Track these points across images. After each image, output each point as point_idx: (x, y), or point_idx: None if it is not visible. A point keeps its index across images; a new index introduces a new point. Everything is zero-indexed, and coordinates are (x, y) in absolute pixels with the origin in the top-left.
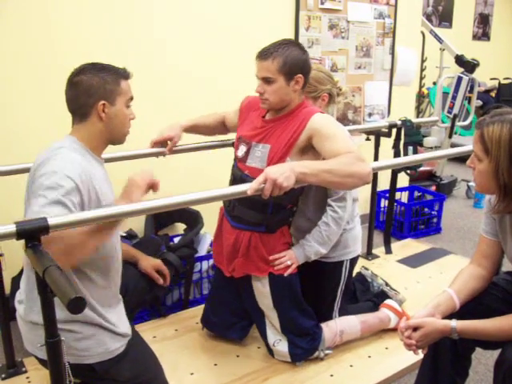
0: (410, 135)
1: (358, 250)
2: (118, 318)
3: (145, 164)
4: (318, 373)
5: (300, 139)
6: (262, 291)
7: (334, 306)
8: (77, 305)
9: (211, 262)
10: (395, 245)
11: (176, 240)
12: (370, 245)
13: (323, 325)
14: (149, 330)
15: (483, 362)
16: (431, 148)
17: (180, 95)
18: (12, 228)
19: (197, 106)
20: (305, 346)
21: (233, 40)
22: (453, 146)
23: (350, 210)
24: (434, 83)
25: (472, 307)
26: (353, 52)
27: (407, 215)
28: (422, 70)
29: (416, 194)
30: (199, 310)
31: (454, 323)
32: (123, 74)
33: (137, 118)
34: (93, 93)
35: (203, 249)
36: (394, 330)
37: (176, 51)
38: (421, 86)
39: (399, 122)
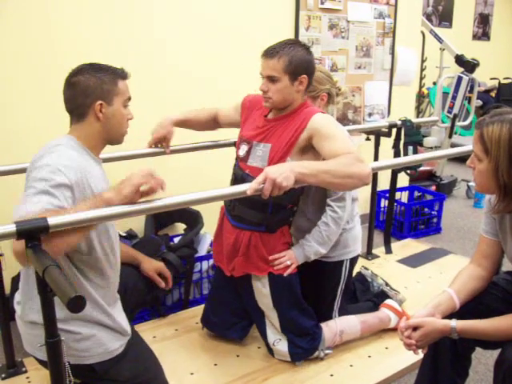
0: (410, 135)
1: (358, 249)
2: (118, 315)
3: (144, 164)
4: (317, 372)
5: (300, 139)
6: (262, 291)
7: (334, 305)
8: (77, 304)
9: (211, 261)
10: (395, 245)
11: (176, 240)
12: (370, 245)
13: (323, 325)
14: (149, 330)
15: (483, 362)
16: (431, 148)
17: (180, 95)
18: (12, 228)
19: (197, 106)
20: (305, 346)
21: (233, 40)
22: (453, 145)
23: (349, 210)
24: (434, 83)
25: (472, 307)
26: (353, 52)
27: (407, 215)
28: (422, 69)
29: (416, 193)
30: (199, 309)
31: (453, 323)
32: (121, 74)
33: (137, 118)
34: (90, 93)
35: (203, 249)
36: (394, 329)
37: (176, 51)
38: (421, 86)
39: (399, 122)
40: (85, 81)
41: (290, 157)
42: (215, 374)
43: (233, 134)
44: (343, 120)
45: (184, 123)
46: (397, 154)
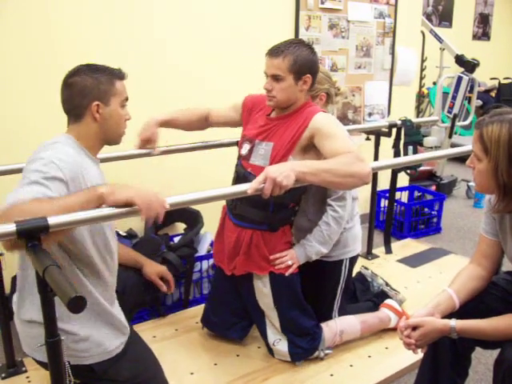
0: (410, 135)
1: (358, 249)
2: (117, 312)
3: (143, 164)
4: (317, 372)
5: (302, 138)
6: (263, 290)
7: (334, 305)
8: (77, 304)
9: (211, 261)
10: (395, 244)
11: (176, 239)
12: (370, 244)
13: (323, 325)
14: (149, 330)
15: (483, 362)
16: (431, 148)
17: (180, 95)
18: (12, 227)
19: (196, 106)
20: (305, 346)
21: (233, 40)
22: (453, 145)
23: (349, 209)
24: (434, 83)
25: (472, 307)
26: (353, 52)
27: (407, 215)
28: (422, 69)
29: (416, 193)
30: (199, 309)
31: (453, 322)
32: (118, 75)
33: (137, 118)
34: (87, 93)
35: (203, 248)
36: (394, 329)
37: (176, 51)
38: (421, 86)
39: (399, 122)
40: (81, 81)
41: (292, 155)
42: (215, 373)
43: (237, 134)
44: (343, 120)
45: (169, 123)
46: (397, 154)
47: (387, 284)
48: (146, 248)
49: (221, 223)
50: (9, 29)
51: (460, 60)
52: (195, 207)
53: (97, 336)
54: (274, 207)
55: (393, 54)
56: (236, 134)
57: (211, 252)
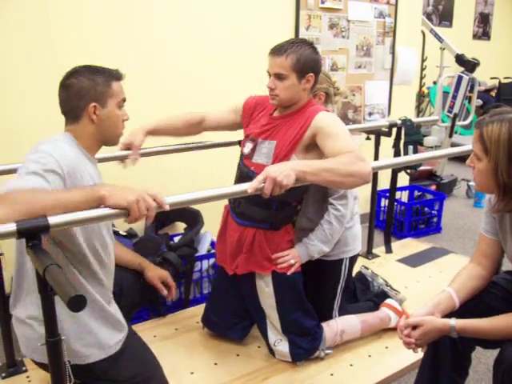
0: (411, 134)
1: (358, 248)
2: (114, 311)
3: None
4: (318, 372)
5: (305, 137)
6: (265, 290)
7: (334, 304)
8: (77, 302)
9: (211, 261)
10: (395, 244)
11: (176, 239)
12: (370, 244)
13: (324, 324)
14: (148, 330)
15: (483, 361)
16: (431, 147)
17: (180, 95)
18: (12, 227)
19: (197, 106)
20: (306, 346)
21: (233, 40)
22: (453, 145)
23: (351, 208)
24: (435, 82)
25: (472, 306)
26: (353, 51)
27: (407, 214)
28: (423, 69)
29: (416, 193)
30: (199, 309)
31: (453, 322)
32: (115, 76)
33: (137, 118)
34: (83, 95)
35: (203, 248)
36: (394, 329)
37: (176, 51)
38: (421, 86)
39: (399, 122)
40: (78, 83)
41: (295, 154)
42: (215, 373)
43: (238, 134)
44: (343, 119)
45: (157, 131)
46: (397, 154)
47: (387, 284)
48: (146, 248)
49: (223, 222)
50: (9, 29)
51: (460, 59)
52: (195, 207)
53: (96, 334)
54: (277, 205)
55: (393, 53)
56: (235, 134)
57: (211, 252)
